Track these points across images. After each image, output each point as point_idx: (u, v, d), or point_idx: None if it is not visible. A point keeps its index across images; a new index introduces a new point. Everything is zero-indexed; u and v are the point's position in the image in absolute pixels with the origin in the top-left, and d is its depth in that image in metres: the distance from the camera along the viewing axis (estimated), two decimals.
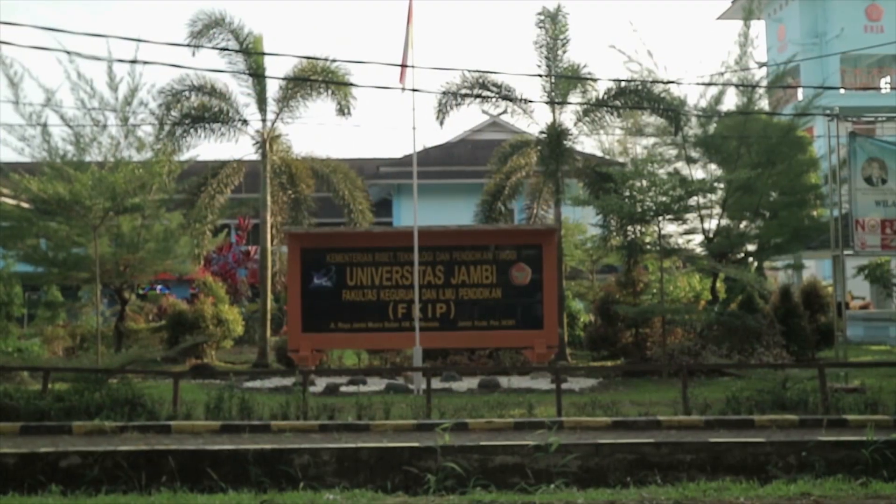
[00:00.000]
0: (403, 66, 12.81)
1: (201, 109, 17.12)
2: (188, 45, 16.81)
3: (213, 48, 17.05)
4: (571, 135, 17.48)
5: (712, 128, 17.80)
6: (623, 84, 17.04)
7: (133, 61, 15.58)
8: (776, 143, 16.77)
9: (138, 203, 15.60)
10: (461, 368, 14.55)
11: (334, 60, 16.91)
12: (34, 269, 17.15)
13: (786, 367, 12.40)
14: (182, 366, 15.86)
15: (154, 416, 9.75)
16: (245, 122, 17.50)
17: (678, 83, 18.25)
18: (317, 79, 17.06)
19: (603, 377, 14.83)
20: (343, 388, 13.32)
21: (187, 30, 16.88)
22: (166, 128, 16.66)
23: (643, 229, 16.69)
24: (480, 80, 17.04)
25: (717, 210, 17.37)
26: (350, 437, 8.67)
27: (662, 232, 16.36)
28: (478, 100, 17.46)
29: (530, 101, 17.33)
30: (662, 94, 17.00)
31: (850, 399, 10.17)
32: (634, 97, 17.15)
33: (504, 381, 13.51)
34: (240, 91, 21.12)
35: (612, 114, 17.57)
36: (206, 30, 16.94)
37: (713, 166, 18.17)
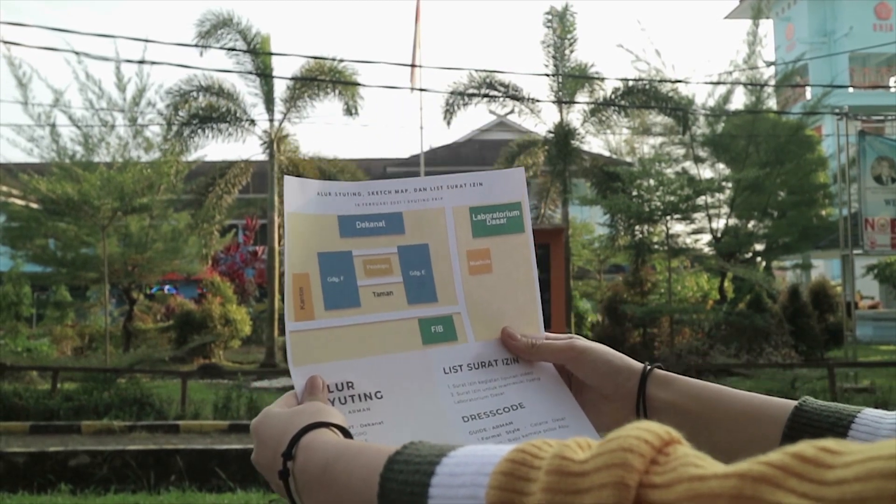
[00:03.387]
0: (412, 65, 12.80)
1: (209, 109, 17.14)
2: (196, 46, 16.80)
3: (220, 48, 17.03)
4: (579, 134, 17.44)
5: (720, 127, 17.77)
6: (631, 83, 17.00)
7: (141, 62, 15.62)
8: (785, 143, 16.72)
9: (146, 203, 15.66)
10: None
11: (342, 60, 16.89)
12: (43, 270, 17.22)
13: (795, 366, 12.36)
14: (190, 365, 15.88)
15: (162, 416, 9.78)
16: (252, 122, 17.50)
17: (686, 82, 18.21)
18: (324, 79, 17.05)
19: None
20: None
21: (195, 30, 16.88)
22: (174, 128, 16.68)
23: (651, 229, 16.66)
24: (488, 80, 17.02)
25: (725, 209, 17.33)
26: None
27: (670, 231, 16.32)
28: (485, 99, 17.44)
29: (538, 101, 17.30)
30: (670, 94, 16.96)
31: (859, 399, 10.11)
32: (642, 96, 17.11)
33: None
34: (247, 91, 21.12)
35: (619, 113, 17.54)
36: (214, 30, 16.94)
37: (721, 165, 18.13)
